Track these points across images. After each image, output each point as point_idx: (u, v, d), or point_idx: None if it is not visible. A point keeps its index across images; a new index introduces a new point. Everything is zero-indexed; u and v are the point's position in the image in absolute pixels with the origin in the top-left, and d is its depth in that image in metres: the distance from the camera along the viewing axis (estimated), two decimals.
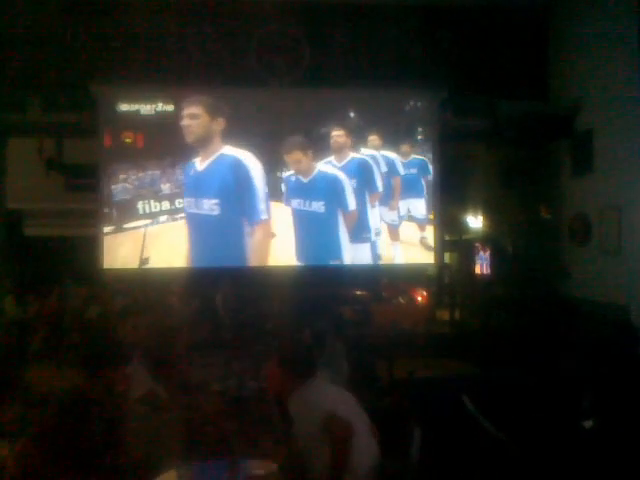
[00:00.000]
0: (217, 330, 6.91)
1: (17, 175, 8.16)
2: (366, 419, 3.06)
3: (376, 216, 8.07)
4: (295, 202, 7.89)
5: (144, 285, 7.60)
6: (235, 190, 7.42)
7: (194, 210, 7.44)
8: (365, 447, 2.88)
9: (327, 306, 7.08)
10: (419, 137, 8.20)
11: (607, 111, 6.87)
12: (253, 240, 7.50)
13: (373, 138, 8.11)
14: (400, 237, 8.19)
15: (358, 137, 8.02)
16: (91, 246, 7.39)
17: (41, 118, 7.11)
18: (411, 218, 8.24)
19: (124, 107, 7.31)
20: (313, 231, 7.93)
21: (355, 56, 7.84)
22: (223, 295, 7.92)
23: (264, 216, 7.54)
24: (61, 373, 4.69)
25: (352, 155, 8.07)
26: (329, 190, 7.92)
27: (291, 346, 3.31)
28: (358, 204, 7.95)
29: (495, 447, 3.44)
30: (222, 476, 2.85)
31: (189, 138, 7.26)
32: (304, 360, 3.15)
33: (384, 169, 8.12)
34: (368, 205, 8.07)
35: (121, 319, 6.22)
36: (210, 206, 7.42)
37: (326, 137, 7.91)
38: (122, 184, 7.38)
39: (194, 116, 7.23)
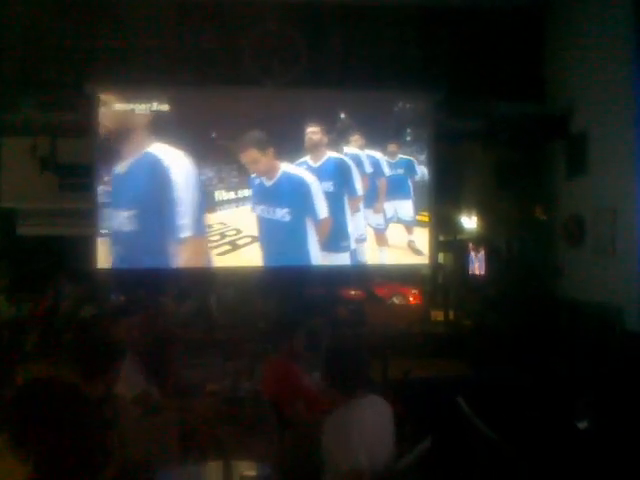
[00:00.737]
0: (211, 331, 6.90)
1: (11, 174, 8.12)
2: (391, 431, 2.91)
3: (359, 222, 7.52)
4: (259, 208, 7.20)
5: (138, 285, 7.57)
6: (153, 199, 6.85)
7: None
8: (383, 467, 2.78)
9: (322, 306, 7.08)
10: (407, 137, 7.86)
11: (602, 113, 6.89)
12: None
13: (356, 138, 7.57)
14: (388, 242, 7.73)
15: (340, 135, 7.47)
16: (85, 246, 7.36)
17: (35, 117, 7.09)
18: (399, 220, 7.79)
19: (119, 106, 7.28)
20: (278, 242, 7.28)
21: (351, 57, 7.84)
22: (217, 296, 7.91)
23: (187, 233, 6.90)
24: (55, 373, 4.68)
25: (329, 155, 7.43)
26: (294, 195, 7.21)
27: (340, 359, 2.93)
28: (335, 210, 7.29)
29: (489, 448, 3.43)
30: (216, 477, 2.83)
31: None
32: (351, 376, 2.85)
33: (369, 170, 7.60)
34: (347, 211, 7.43)
35: (115, 319, 6.19)
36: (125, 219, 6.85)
37: (300, 134, 7.32)
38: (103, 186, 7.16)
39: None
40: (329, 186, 7.35)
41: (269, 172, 7.10)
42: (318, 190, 7.23)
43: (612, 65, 6.67)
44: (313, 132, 7.29)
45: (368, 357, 3.04)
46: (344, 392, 2.81)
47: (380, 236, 7.69)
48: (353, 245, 7.49)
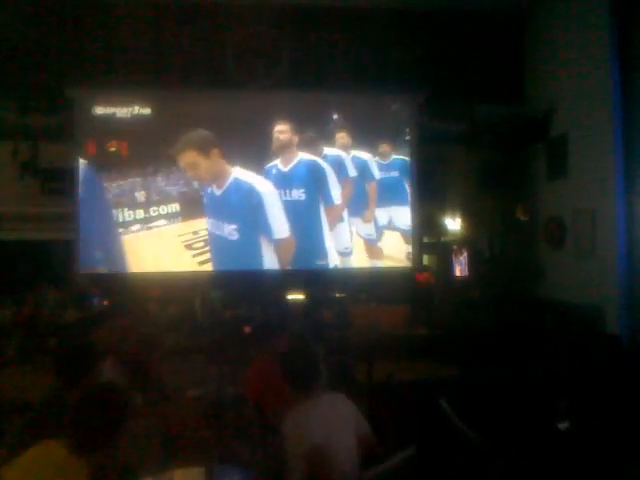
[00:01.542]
0: (195, 335, 6.87)
1: None
2: (350, 433, 2.95)
3: (343, 233, 6.80)
4: (209, 222, 6.51)
5: (121, 290, 7.52)
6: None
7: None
8: (346, 466, 2.83)
9: (306, 309, 7.08)
10: (406, 137, 7.34)
11: (580, 116, 6.98)
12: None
13: (341, 136, 6.82)
14: (383, 253, 7.07)
15: (322, 135, 6.80)
16: (67, 250, 7.30)
17: (15, 121, 7.02)
18: (394, 228, 7.09)
19: (100, 110, 7.22)
20: (229, 263, 6.74)
21: (333, 59, 7.85)
22: (201, 300, 7.86)
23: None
24: (36, 379, 4.64)
25: (300, 157, 6.62)
26: (244, 207, 6.35)
27: (297, 359, 3.08)
28: (308, 223, 6.48)
29: (469, 448, 3.46)
30: None
31: None
32: (308, 377, 3.00)
33: (353, 173, 6.85)
34: (324, 223, 6.63)
35: (98, 324, 6.15)
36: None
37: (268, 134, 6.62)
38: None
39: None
40: (300, 194, 6.49)
41: (216, 179, 6.26)
42: (274, 202, 6.34)
43: (591, 68, 6.75)
44: (280, 131, 6.51)
45: (320, 357, 3.14)
46: (299, 391, 2.90)
47: (372, 247, 6.97)
48: (335, 261, 6.85)
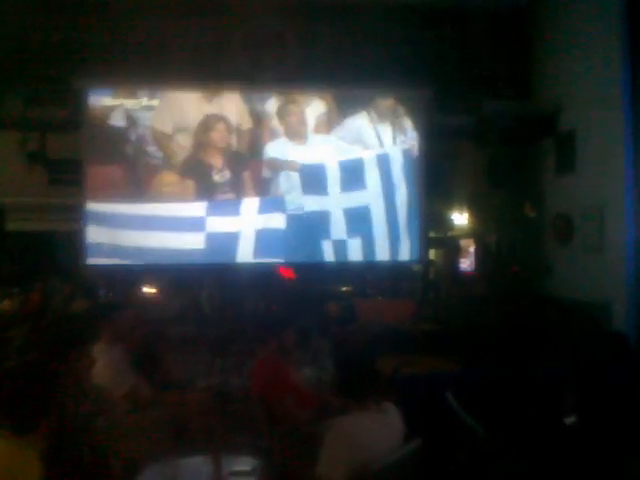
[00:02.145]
0: (202, 327, 6.89)
1: (0, 169, 8.07)
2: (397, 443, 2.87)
3: None
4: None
5: (128, 281, 7.55)
6: None
7: None
8: None
9: (312, 303, 7.09)
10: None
11: (589, 111, 6.94)
12: None
13: None
14: None
15: None
16: (74, 241, 7.33)
17: (24, 112, 7.04)
18: None
19: (107, 102, 7.24)
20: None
21: (341, 53, 7.83)
22: (208, 292, 7.89)
23: None
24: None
25: None
26: None
27: (353, 365, 2.87)
28: None
29: (477, 443, 3.46)
30: (206, 471, 2.85)
31: None
32: (362, 386, 2.79)
33: None
34: None
35: (105, 315, 6.17)
36: None
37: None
38: None
39: None
40: None
41: None
42: None
43: (600, 63, 6.71)
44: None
45: (377, 364, 3.01)
46: (351, 399, 2.77)
47: None
48: None
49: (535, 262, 7.89)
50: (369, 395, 2.78)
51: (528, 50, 8.13)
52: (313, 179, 7.47)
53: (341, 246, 7.63)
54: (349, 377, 2.83)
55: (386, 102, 7.79)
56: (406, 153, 7.80)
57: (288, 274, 8.20)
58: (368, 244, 7.70)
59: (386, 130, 7.73)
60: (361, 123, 7.65)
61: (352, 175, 7.51)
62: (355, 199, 7.58)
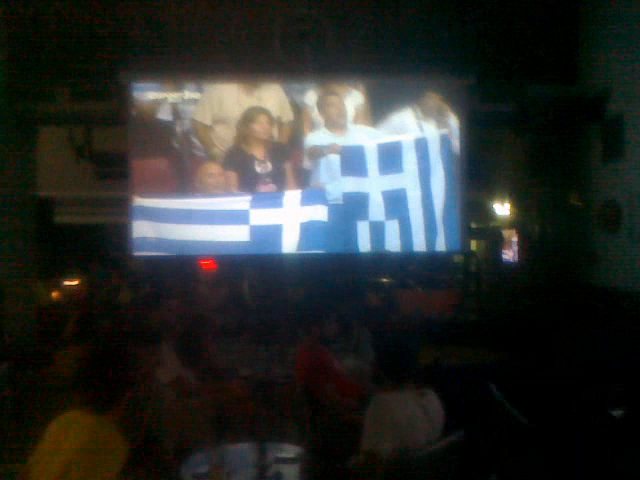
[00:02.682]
0: (244, 317, 6.99)
1: (48, 163, 8.32)
2: (437, 428, 2.90)
3: None
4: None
5: (173, 272, 7.71)
6: None
7: None
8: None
9: (353, 293, 7.11)
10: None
11: (637, 95, 6.72)
12: None
13: None
14: None
15: None
16: (121, 234, 7.49)
17: (70, 107, 7.21)
18: None
19: (152, 96, 7.37)
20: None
21: (380, 40, 7.74)
22: (250, 282, 8.00)
23: None
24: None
25: None
26: None
27: (392, 348, 2.98)
28: None
29: (521, 434, 3.43)
30: (250, 458, 2.90)
31: None
32: (403, 366, 2.90)
33: None
34: None
35: (150, 306, 6.33)
36: None
37: None
38: None
39: None
40: None
41: None
42: None
43: None
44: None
45: (418, 353, 3.05)
46: (395, 379, 2.83)
47: None
48: None
49: (581, 251, 7.71)
50: (408, 377, 2.84)
51: (574, 32, 7.89)
52: (353, 161, 7.52)
53: (379, 228, 7.60)
54: (389, 357, 2.92)
55: (428, 92, 7.69)
56: (445, 141, 7.69)
57: (209, 265, 8.40)
58: (406, 229, 7.64)
59: (429, 121, 7.67)
60: (404, 117, 7.62)
61: (390, 158, 7.54)
62: (393, 182, 7.58)
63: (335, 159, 7.47)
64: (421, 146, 7.61)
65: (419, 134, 7.61)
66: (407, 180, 7.59)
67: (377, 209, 7.53)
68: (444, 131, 7.67)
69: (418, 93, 7.69)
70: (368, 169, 7.50)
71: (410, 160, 7.58)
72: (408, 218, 7.60)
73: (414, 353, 3.01)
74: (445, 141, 7.69)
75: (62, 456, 2.16)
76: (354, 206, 7.51)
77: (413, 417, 2.75)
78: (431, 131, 7.65)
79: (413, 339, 3.09)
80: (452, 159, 7.70)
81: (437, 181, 7.66)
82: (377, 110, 7.61)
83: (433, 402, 2.89)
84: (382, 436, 2.61)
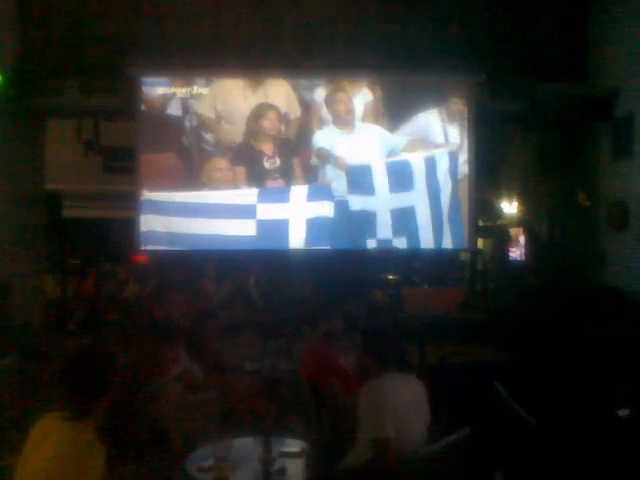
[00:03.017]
0: (250, 312, 7.00)
1: (56, 156, 8.34)
2: (425, 411, 2.99)
3: None
4: None
5: (180, 267, 7.72)
6: None
7: None
8: (412, 446, 2.82)
9: (359, 290, 7.11)
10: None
11: None
12: None
13: None
14: None
15: None
16: (128, 228, 7.51)
17: (79, 101, 7.23)
18: None
19: (161, 91, 7.39)
20: None
21: (390, 37, 7.71)
22: (256, 278, 8.00)
23: None
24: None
25: None
26: None
27: (378, 333, 3.13)
28: None
29: (526, 432, 3.43)
30: (255, 452, 2.90)
31: None
32: (389, 349, 3.01)
33: None
34: None
35: (157, 300, 6.35)
36: None
37: None
38: None
39: None
40: None
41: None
42: None
43: None
44: None
45: (403, 339, 3.12)
46: (380, 363, 2.89)
47: None
48: None
49: (588, 251, 7.68)
50: (393, 361, 2.94)
51: (585, 31, 7.84)
52: (360, 179, 7.52)
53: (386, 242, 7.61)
54: (374, 342, 3.03)
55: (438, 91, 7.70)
56: (452, 154, 7.68)
57: (140, 260, 8.54)
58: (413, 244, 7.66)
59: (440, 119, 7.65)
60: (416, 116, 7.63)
61: (399, 176, 7.51)
62: (402, 200, 7.57)
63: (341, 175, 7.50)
64: (430, 164, 7.60)
65: (427, 152, 7.58)
66: (416, 197, 7.58)
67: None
68: (452, 148, 7.65)
69: (429, 91, 7.67)
70: (375, 188, 7.51)
71: (419, 178, 7.56)
72: (417, 235, 7.62)
73: (398, 339, 3.13)
74: (453, 157, 7.65)
75: (42, 463, 2.14)
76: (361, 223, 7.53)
77: (406, 401, 2.83)
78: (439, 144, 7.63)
79: (397, 327, 3.21)
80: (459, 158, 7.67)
81: (445, 192, 7.65)
82: (387, 108, 7.61)
83: (419, 387, 2.99)
84: (384, 421, 2.64)
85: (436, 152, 7.57)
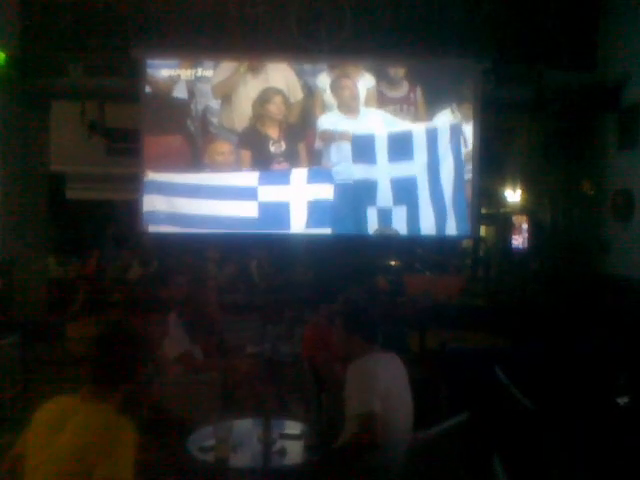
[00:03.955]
0: (252, 295, 7.02)
1: (60, 138, 8.33)
2: (408, 393, 3.01)
3: None
4: None
5: (182, 249, 7.74)
6: None
7: None
8: (401, 424, 2.85)
9: (360, 275, 7.11)
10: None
11: None
12: None
13: None
14: None
15: None
16: (132, 209, 7.52)
17: (83, 82, 7.20)
18: None
19: (166, 73, 7.36)
20: None
21: (395, 23, 7.64)
22: (258, 261, 8.02)
23: None
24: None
25: None
26: None
27: (359, 311, 3.16)
28: None
29: (526, 417, 3.45)
30: (256, 434, 2.93)
31: None
32: (371, 327, 3.07)
33: None
34: None
35: (160, 282, 6.37)
36: None
37: None
38: None
39: None
40: None
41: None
42: None
43: None
44: None
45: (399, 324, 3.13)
46: (366, 339, 2.92)
47: None
48: None
49: (592, 239, 7.66)
50: (377, 337, 3.00)
51: (594, 19, 7.75)
52: (363, 149, 7.51)
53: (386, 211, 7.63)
54: (356, 318, 3.07)
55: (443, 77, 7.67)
56: (456, 129, 7.65)
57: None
58: (413, 214, 7.67)
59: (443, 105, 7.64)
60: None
61: (400, 146, 7.52)
62: (402, 170, 7.58)
63: (346, 147, 7.48)
64: (431, 133, 7.59)
65: (430, 123, 7.58)
66: (417, 167, 7.59)
67: (386, 195, 7.58)
68: (455, 120, 7.62)
69: (435, 76, 7.64)
70: (378, 157, 7.51)
71: (420, 148, 7.57)
72: (417, 204, 7.62)
73: (378, 317, 3.17)
74: (456, 130, 7.64)
75: (69, 446, 1.98)
76: (363, 192, 7.55)
77: (391, 378, 2.87)
78: (443, 120, 7.60)
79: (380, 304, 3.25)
80: (463, 144, 7.65)
81: (447, 166, 7.63)
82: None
83: (401, 364, 3.03)
84: (370, 397, 2.68)
85: (438, 123, 7.60)
